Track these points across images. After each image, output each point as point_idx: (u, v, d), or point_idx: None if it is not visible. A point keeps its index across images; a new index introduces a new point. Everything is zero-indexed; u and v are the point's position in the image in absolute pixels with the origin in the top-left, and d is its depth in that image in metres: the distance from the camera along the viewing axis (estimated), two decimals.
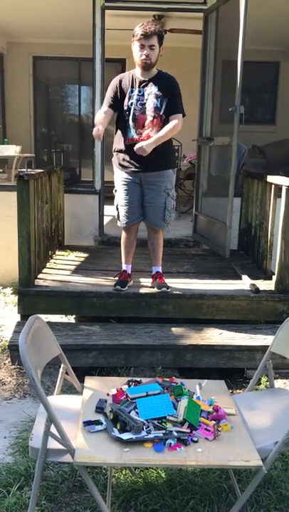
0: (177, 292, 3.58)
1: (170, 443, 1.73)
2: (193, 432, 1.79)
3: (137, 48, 3.26)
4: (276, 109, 8.16)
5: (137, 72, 3.37)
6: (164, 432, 1.76)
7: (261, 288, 3.66)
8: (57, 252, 4.60)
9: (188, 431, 1.78)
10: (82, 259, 4.44)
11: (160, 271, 3.71)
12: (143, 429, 1.76)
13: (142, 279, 3.80)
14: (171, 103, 3.31)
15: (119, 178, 3.50)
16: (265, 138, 7.37)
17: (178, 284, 3.74)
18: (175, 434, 1.76)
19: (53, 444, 1.77)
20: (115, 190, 3.57)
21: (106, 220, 5.13)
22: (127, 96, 3.33)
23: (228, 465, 1.74)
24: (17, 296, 3.60)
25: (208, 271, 4.17)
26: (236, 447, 1.75)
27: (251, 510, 2.10)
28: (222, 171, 4.49)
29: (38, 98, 8.30)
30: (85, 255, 4.54)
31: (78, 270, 4.08)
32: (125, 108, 3.33)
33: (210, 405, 1.95)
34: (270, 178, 3.86)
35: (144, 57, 3.23)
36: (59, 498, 2.14)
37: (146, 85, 3.33)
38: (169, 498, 2.12)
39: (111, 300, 3.54)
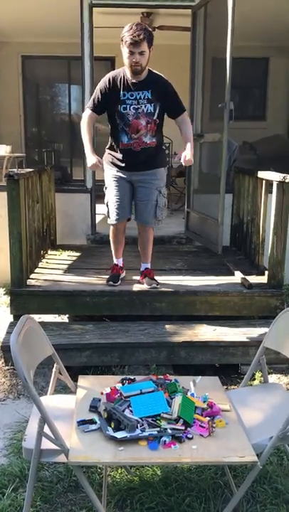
0: (170, 289, 3.58)
1: (165, 440, 1.72)
2: (188, 429, 1.78)
3: (126, 53, 3.13)
4: (266, 105, 8.19)
5: (128, 74, 3.26)
6: (158, 429, 1.75)
7: (254, 283, 3.66)
8: (49, 252, 4.57)
9: (183, 428, 1.78)
10: (74, 258, 4.42)
11: (149, 267, 3.71)
12: (137, 427, 1.75)
13: (134, 277, 3.78)
14: (170, 105, 3.32)
15: (110, 175, 3.47)
16: (255, 134, 7.38)
17: (171, 281, 3.73)
18: (169, 431, 1.75)
19: (46, 445, 1.75)
20: (105, 188, 3.54)
21: (98, 218, 5.10)
22: (119, 100, 3.25)
23: (223, 461, 1.74)
24: (9, 297, 3.58)
25: (201, 267, 4.16)
26: (231, 443, 1.75)
27: (247, 505, 2.10)
28: (213, 168, 4.48)
29: (28, 97, 8.28)
30: (78, 254, 4.52)
31: (71, 269, 4.06)
32: (116, 113, 3.28)
33: (204, 402, 1.94)
34: (261, 174, 3.86)
35: (134, 63, 3.13)
36: (54, 498, 2.13)
37: (138, 89, 3.24)
38: (165, 496, 2.12)
39: (104, 299, 3.53)
